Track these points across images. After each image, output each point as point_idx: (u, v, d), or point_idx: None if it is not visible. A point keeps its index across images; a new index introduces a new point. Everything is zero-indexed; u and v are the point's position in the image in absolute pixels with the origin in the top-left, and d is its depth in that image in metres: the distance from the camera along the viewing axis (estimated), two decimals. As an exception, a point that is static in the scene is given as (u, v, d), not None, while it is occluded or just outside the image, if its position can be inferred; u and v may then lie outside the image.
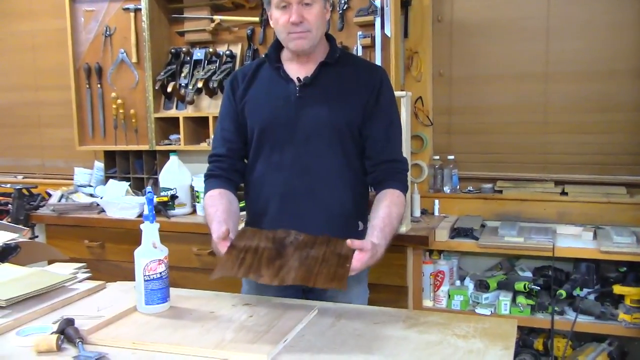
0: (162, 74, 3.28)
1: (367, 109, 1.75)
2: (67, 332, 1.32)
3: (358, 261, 1.49)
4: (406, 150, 2.59)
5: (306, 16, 1.65)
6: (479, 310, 2.62)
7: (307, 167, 1.73)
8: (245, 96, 1.80)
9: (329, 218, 1.74)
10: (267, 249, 1.52)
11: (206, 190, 1.80)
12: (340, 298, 1.69)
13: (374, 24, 2.87)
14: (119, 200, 3.16)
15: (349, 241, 1.49)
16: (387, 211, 1.67)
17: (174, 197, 3.05)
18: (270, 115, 1.75)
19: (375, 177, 1.78)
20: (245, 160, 1.86)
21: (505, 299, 2.60)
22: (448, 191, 3.05)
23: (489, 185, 3.02)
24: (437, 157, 3.09)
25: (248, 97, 1.80)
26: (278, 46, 1.80)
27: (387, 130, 1.78)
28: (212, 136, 3.11)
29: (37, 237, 3.24)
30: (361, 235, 1.82)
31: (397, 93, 2.65)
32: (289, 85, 1.75)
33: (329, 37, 1.82)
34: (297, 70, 1.76)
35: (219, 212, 1.67)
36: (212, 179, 1.81)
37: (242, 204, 1.86)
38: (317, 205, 1.73)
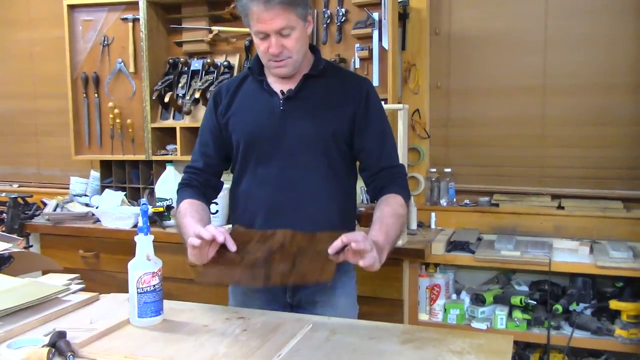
0: (159, 84, 3.29)
1: (356, 121, 1.72)
2: (59, 345, 1.30)
3: (370, 258, 1.43)
4: (403, 163, 2.58)
5: (285, 44, 1.62)
6: (475, 324, 2.61)
7: (293, 181, 1.71)
8: (229, 110, 1.78)
9: (311, 230, 1.69)
10: (259, 251, 1.50)
11: (181, 198, 1.76)
12: (329, 313, 1.68)
13: (372, 37, 2.88)
14: (114, 210, 3.15)
15: (343, 237, 1.41)
16: (389, 210, 1.62)
17: (169, 208, 3.04)
18: (255, 129, 1.73)
19: (375, 186, 1.75)
20: (222, 177, 1.85)
21: (501, 313, 2.59)
22: (445, 204, 3.05)
23: (486, 199, 3.02)
24: (434, 170, 3.09)
25: (232, 111, 1.77)
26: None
27: (380, 139, 1.75)
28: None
29: (31, 246, 3.24)
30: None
31: (394, 106, 2.68)
32: (273, 98, 1.73)
33: (313, 49, 1.79)
34: (280, 83, 1.74)
35: (195, 219, 1.64)
36: (188, 189, 1.78)
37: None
38: (304, 220, 1.70)
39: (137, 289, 1.47)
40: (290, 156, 1.70)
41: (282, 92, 1.72)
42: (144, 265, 1.49)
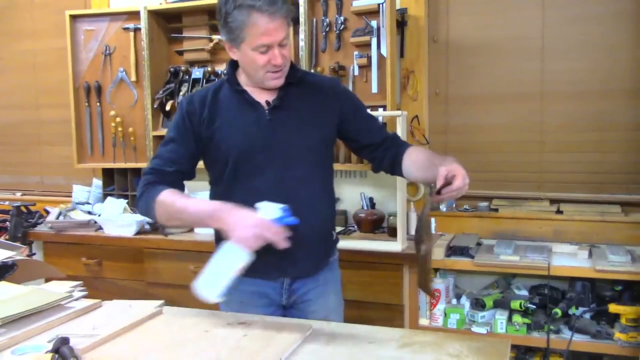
0: (160, 92, 3.32)
1: (344, 114, 1.82)
2: (62, 351, 1.32)
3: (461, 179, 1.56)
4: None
5: (285, 54, 1.65)
6: (475, 329, 2.62)
7: (289, 190, 1.71)
8: (214, 123, 1.73)
9: (312, 235, 1.76)
10: None
11: (153, 194, 1.65)
12: (322, 310, 1.77)
13: (370, 44, 2.90)
14: (116, 218, 3.17)
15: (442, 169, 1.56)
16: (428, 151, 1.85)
17: (171, 215, 3.06)
18: (245, 142, 1.71)
19: (391, 153, 1.83)
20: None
21: (501, 317, 2.60)
22: (444, 209, 3.07)
23: (485, 204, 3.04)
24: (434, 176, 3.10)
25: (218, 123, 1.73)
26: (235, 68, 1.77)
27: (371, 119, 1.92)
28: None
29: (34, 254, 3.26)
30: (335, 243, 1.92)
31: (393, 112, 2.70)
32: (257, 109, 1.73)
33: None
34: (260, 93, 1.74)
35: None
36: (158, 185, 1.68)
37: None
38: (303, 226, 1.68)
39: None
40: (284, 166, 1.72)
41: (267, 102, 1.73)
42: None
